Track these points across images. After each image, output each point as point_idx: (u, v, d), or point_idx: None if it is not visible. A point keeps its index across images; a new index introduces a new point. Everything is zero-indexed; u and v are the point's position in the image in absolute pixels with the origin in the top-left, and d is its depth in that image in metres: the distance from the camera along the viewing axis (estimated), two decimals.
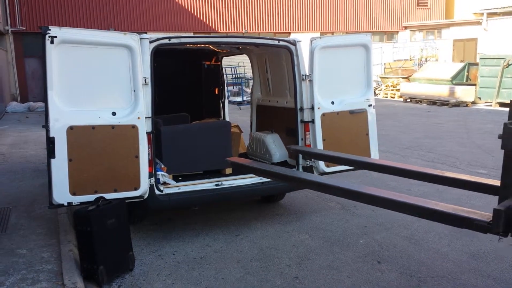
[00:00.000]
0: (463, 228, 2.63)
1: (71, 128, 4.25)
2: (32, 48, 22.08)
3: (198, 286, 4.11)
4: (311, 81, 5.41)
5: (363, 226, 5.48)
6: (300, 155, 5.50)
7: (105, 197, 4.32)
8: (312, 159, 5.44)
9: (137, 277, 4.28)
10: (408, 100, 21.01)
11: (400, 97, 21.93)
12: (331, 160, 5.08)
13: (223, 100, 7.74)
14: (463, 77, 19.62)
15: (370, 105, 5.64)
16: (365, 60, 5.66)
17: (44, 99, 4.24)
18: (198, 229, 5.48)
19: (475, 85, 18.84)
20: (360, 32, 23.60)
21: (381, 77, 24.87)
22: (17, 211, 5.88)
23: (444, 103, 18.95)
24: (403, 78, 22.98)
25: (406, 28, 31.86)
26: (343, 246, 4.93)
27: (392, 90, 23.26)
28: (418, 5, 32.39)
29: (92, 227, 4.05)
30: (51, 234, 5.05)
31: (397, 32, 31.83)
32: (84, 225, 4.10)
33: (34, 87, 22.95)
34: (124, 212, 4.38)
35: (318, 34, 27.43)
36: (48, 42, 4.13)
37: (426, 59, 27.25)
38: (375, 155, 5.68)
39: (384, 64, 26.89)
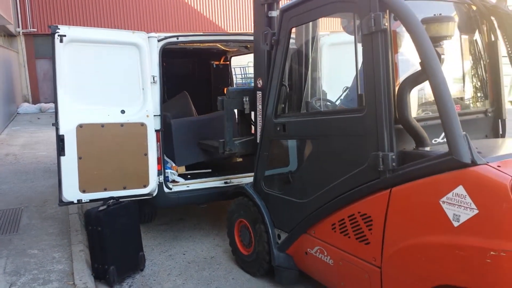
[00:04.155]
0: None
1: (80, 126, 4.26)
2: (43, 49, 22.23)
3: (209, 287, 4.07)
4: (319, 78, 5.36)
5: None
6: None
7: (114, 195, 4.32)
8: None
9: (148, 277, 4.26)
10: None
11: None
12: None
13: None
14: None
15: None
16: None
17: (54, 98, 4.26)
18: (208, 229, 5.45)
19: None
20: None
21: None
22: (28, 211, 5.90)
23: None
24: None
25: None
26: None
27: None
28: None
29: (103, 227, 4.03)
30: (62, 234, 5.05)
31: None
32: (95, 225, 4.07)
33: (45, 88, 23.06)
34: (135, 212, 4.35)
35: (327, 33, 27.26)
36: (57, 41, 4.15)
37: None
38: None
39: None
